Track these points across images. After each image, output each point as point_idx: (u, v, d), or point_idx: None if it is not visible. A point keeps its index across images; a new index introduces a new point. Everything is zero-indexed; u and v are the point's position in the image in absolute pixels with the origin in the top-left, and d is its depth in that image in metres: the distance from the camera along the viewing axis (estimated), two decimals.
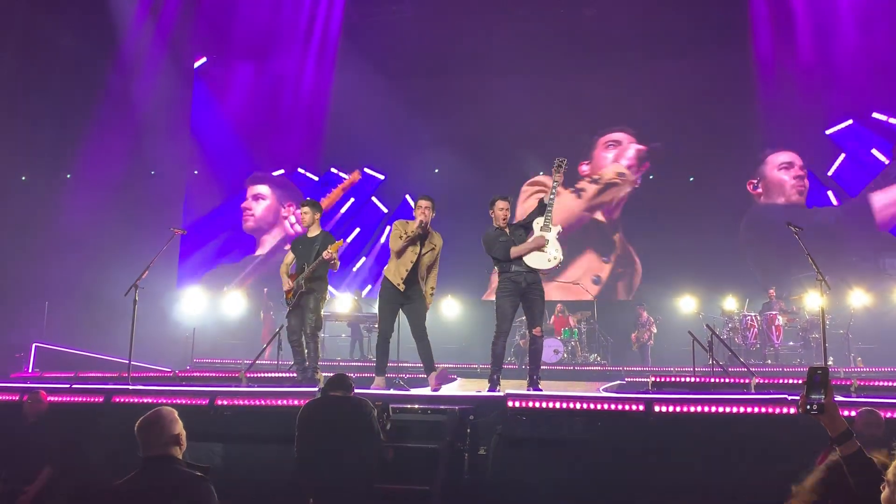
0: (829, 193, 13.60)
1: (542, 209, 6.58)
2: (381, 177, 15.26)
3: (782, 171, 13.84)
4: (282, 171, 15.30)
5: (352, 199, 15.29)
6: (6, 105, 10.82)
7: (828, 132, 13.51)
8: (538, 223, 6.53)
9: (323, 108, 14.56)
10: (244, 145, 14.95)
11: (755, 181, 13.91)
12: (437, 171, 14.33)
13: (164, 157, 13.45)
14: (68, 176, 11.70)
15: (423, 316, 6.60)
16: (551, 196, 6.52)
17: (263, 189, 15.17)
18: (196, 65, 14.79)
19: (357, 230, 15.11)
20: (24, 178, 11.01)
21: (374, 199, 15.30)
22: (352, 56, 14.17)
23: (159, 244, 7.80)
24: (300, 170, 15.37)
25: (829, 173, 13.53)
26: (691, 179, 14.25)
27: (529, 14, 13.77)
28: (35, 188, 11.19)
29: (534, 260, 6.44)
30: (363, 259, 14.98)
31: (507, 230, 6.62)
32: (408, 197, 14.53)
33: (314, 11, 14.26)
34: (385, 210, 15.20)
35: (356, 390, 4.86)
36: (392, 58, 14.15)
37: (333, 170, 15.33)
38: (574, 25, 13.82)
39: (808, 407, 2.38)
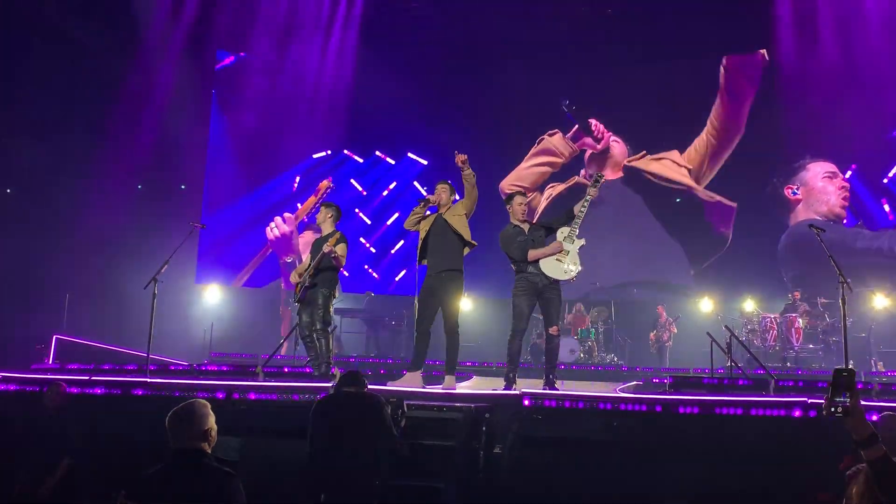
0: (884, 202, 12.87)
1: (569, 218, 6.51)
2: (425, 162, 15.26)
3: (826, 180, 13.25)
4: (328, 153, 15.29)
5: (394, 183, 15.32)
6: (35, 105, 10.95)
7: (893, 135, 12.73)
8: (563, 233, 6.48)
9: (366, 92, 14.32)
10: (286, 128, 14.81)
11: (794, 186, 13.39)
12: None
13: (185, 151, 13.50)
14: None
15: (451, 307, 6.48)
16: (582, 208, 6.44)
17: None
18: (218, 65, 14.73)
19: (396, 214, 15.12)
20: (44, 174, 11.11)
21: (416, 183, 15.29)
22: (397, 41, 14.18)
23: (179, 239, 7.86)
24: (346, 151, 15.38)
25: (885, 181, 12.88)
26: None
27: (552, 9, 13.64)
28: (57, 183, 11.29)
29: (550, 268, 6.40)
30: (401, 242, 15.00)
31: (524, 228, 6.60)
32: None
33: None
34: (426, 195, 15.18)
35: (371, 386, 4.86)
36: (438, 45, 14.13)
37: (378, 153, 15.39)
38: (596, 22, 13.69)
39: (833, 409, 2.34)
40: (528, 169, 14.68)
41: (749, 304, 12.49)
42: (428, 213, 6.80)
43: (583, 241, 6.48)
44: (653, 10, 13.21)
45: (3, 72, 10.98)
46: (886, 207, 12.91)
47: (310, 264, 6.90)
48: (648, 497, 4.94)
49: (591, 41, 13.74)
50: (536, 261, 6.41)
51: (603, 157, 14.60)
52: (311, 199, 14.87)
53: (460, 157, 6.52)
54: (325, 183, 14.89)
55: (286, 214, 14.78)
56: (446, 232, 6.54)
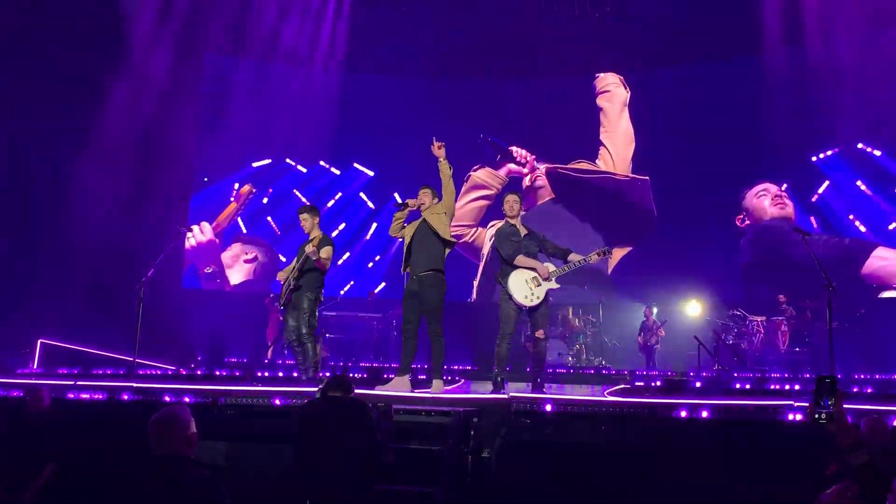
0: (812, 219, 13.47)
1: (563, 256, 6.62)
2: (371, 173, 15.22)
3: (761, 197, 13.94)
4: (268, 161, 14.98)
5: (339, 194, 15.16)
6: (19, 106, 10.83)
7: (813, 159, 13.50)
8: (549, 266, 6.55)
9: (315, 100, 14.34)
10: (228, 134, 14.41)
11: (741, 216, 14.00)
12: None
13: (173, 153, 13.39)
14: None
15: (433, 311, 6.43)
16: (577, 263, 6.53)
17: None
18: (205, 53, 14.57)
19: (342, 225, 15.04)
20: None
21: (361, 194, 15.22)
22: (351, 52, 14.16)
23: (166, 241, 7.81)
24: (288, 160, 15.10)
25: (813, 199, 13.51)
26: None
27: (533, 16, 13.67)
28: (43, 184, 11.18)
29: (516, 287, 6.48)
30: (347, 254, 14.90)
31: (521, 229, 6.64)
32: (396, 195, 14.51)
33: (321, 10, 14.11)
34: (372, 206, 15.16)
35: (358, 390, 4.84)
36: (392, 55, 14.13)
37: (322, 163, 15.19)
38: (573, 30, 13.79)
39: (817, 416, 2.35)
40: (464, 207, 14.84)
41: (736, 309, 12.55)
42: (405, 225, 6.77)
43: (557, 286, 6.58)
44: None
45: None
46: (814, 223, 13.44)
47: (294, 267, 6.87)
48: (636, 500, 4.95)
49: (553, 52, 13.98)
50: (516, 269, 6.46)
51: (534, 189, 14.98)
52: (232, 206, 14.62)
53: (437, 145, 6.51)
54: (246, 188, 14.74)
55: (203, 224, 14.41)
56: (427, 233, 6.53)
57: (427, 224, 6.54)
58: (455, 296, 12.90)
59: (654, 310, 12.99)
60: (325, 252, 6.81)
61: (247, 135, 14.45)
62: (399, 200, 6.92)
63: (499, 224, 6.98)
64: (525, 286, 6.45)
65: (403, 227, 6.73)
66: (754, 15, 12.87)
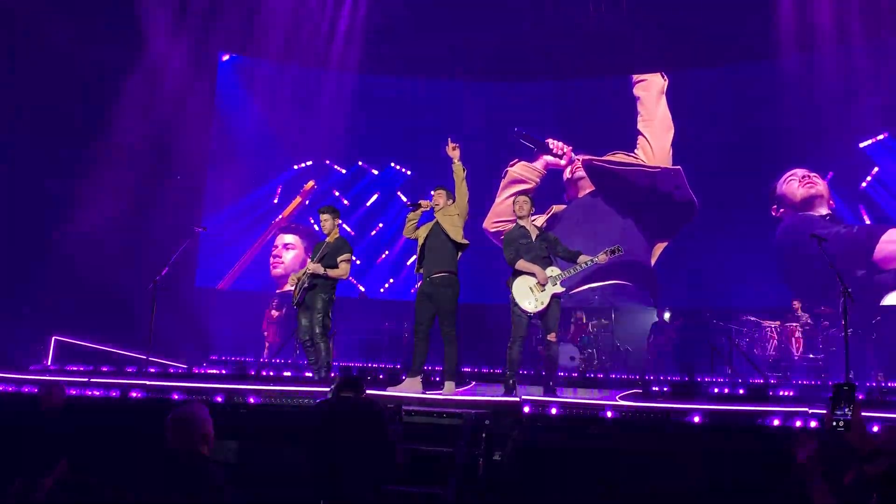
0: (861, 208, 13.10)
1: (571, 259, 6.56)
2: (408, 172, 15.28)
3: (790, 182, 13.71)
4: (309, 163, 15.11)
5: (377, 194, 15.23)
6: (30, 106, 10.92)
7: (861, 145, 13.08)
8: (553, 271, 6.51)
9: (352, 101, 14.34)
10: (270, 138, 14.64)
11: (775, 206, 13.75)
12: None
13: (186, 152, 13.45)
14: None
15: (446, 312, 6.42)
16: (584, 265, 6.48)
17: (293, 239, 14.95)
18: (224, 58, 14.65)
19: (381, 225, 15.11)
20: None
21: (399, 193, 15.27)
22: (382, 49, 14.18)
23: (180, 240, 7.84)
24: (327, 161, 15.21)
25: (863, 185, 13.07)
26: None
27: (560, 17, 13.61)
28: (56, 182, 11.25)
29: (520, 294, 6.45)
30: (385, 253, 14.98)
31: (531, 231, 6.62)
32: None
33: (342, 4, 14.16)
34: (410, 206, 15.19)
35: (370, 391, 4.84)
36: (424, 53, 14.14)
37: (360, 163, 15.28)
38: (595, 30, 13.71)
39: (835, 424, 2.33)
40: (503, 202, 14.71)
41: (750, 313, 12.45)
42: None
43: (562, 290, 6.53)
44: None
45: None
46: (864, 214, 13.14)
47: (307, 269, 6.88)
48: None
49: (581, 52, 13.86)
50: (519, 274, 6.44)
51: (574, 181, 14.82)
52: (297, 200, 14.89)
53: (451, 146, 6.49)
54: (309, 184, 15.09)
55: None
56: (440, 235, 6.53)
57: (440, 226, 6.54)
58: (487, 295, 12.95)
59: (667, 315, 12.92)
60: (343, 257, 6.85)
61: (286, 137, 14.56)
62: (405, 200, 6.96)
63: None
64: (529, 293, 6.42)
65: (417, 229, 6.74)
66: (793, 9, 12.55)
